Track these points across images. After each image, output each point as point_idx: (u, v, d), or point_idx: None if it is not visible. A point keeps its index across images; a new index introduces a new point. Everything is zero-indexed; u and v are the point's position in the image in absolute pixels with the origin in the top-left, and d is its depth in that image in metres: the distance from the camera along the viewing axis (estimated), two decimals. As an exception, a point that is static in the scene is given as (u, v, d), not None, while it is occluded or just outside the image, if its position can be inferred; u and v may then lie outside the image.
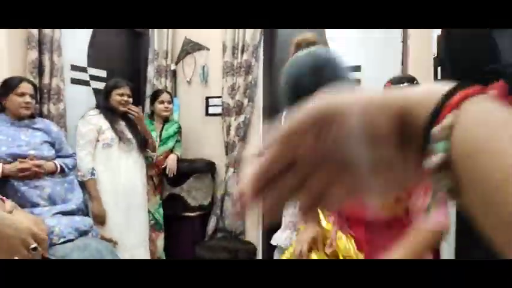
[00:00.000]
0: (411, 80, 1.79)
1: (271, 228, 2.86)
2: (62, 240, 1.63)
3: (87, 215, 2.03)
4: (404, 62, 2.34)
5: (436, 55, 2.12)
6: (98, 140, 2.19)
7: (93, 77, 2.65)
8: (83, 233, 1.76)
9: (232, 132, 2.83)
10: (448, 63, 2.07)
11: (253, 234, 2.85)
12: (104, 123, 2.21)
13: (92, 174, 2.13)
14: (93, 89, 2.64)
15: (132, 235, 2.24)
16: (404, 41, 2.34)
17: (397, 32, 2.36)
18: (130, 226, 2.24)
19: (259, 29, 2.77)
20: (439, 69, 2.10)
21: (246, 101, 2.81)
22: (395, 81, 1.80)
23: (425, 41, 2.19)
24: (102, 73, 2.71)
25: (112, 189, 2.19)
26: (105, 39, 2.76)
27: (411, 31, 2.31)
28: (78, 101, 2.45)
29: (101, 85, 2.54)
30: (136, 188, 2.31)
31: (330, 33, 2.63)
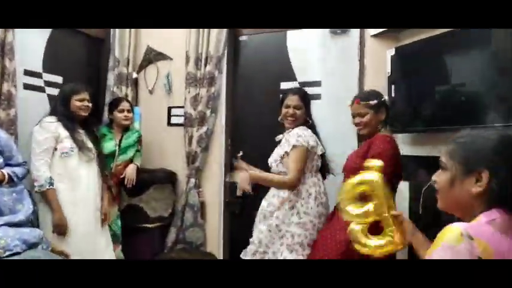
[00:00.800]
0: (379, 97, 1.87)
1: (232, 240, 2.86)
2: (8, 253, 1.54)
3: (37, 226, 1.94)
4: (360, 79, 2.45)
5: (389, 73, 2.24)
6: (55, 149, 2.10)
7: (48, 83, 2.55)
8: (32, 245, 1.68)
9: (194, 143, 2.82)
10: (400, 81, 2.20)
11: (214, 245, 2.82)
12: (63, 131, 2.12)
13: (51, 184, 2.04)
14: (48, 95, 2.53)
15: (92, 246, 2.16)
16: (361, 59, 2.46)
17: (354, 50, 2.48)
18: (90, 238, 2.15)
19: (223, 41, 2.80)
20: (392, 87, 2.22)
21: (208, 112, 2.82)
22: (364, 98, 1.88)
23: (381, 59, 2.32)
24: (58, 79, 2.62)
25: (69, 200, 2.10)
26: (63, 45, 2.67)
27: (367, 50, 2.43)
28: (32, 108, 2.34)
29: (56, 91, 2.44)
30: (95, 199, 2.24)
31: (291, 51, 2.70)
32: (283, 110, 2.07)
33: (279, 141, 2.12)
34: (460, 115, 1.84)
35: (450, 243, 0.81)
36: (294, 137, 1.99)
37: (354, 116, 1.91)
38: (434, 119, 1.96)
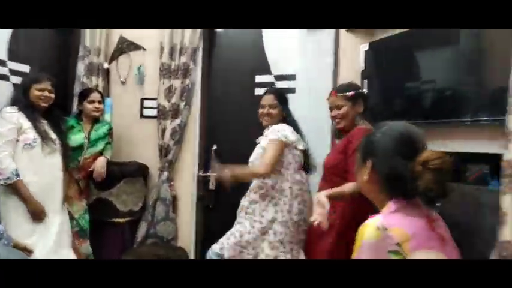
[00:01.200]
0: (356, 89, 1.85)
1: (205, 234, 2.84)
2: (-37, 248, 1.47)
3: (-2, 221, 1.86)
4: (335, 73, 2.45)
5: (363, 68, 2.26)
6: (17, 140, 2.02)
7: (13, 72, 2.44)
8: (-9, 241, 1.60)
9: (168, 135, 2.76)
10: (373, 76, 2.22)
11: (186, 240, 2.79)
12: (25, 122, 2.04)
13: (17, 175, 1.97)
14: (13, 84, 2.42)
15: (55, 240, 2.08)
16: (336, 53, 2.46)
17: (329, 45, 2.48)
18: (48, 232, 2.08)
19: (198, 32, 2.75)
20: (365, 81, 2.24)
21: (182, 105, 2.77)
22: (341, 90, 1.85)
23: (355, 54, 2.33)
24: (25, 68, 2.50)
25: (34, 193, 2.03)
26: (30, 32, 2.55)
27: (342, 44, 2.44)
28: (-5, 96, 2.23)
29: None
30: (57, 192, 2.17)
31: (266, 44, 2.68)
32: (260, 110, 2.11)
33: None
34: (431, 110, 1.87)
35: (369, 239, 0.87)
36: (272, 132, 1.98)
37: (331, 109, 1.87)
38: (405, 114, 1.98)
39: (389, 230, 0.86)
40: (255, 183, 2.01)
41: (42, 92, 2.12)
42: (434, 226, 0.93)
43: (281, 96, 2.11)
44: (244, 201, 2.04)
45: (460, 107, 1.70)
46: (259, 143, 2.10)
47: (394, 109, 2.07)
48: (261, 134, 2.13)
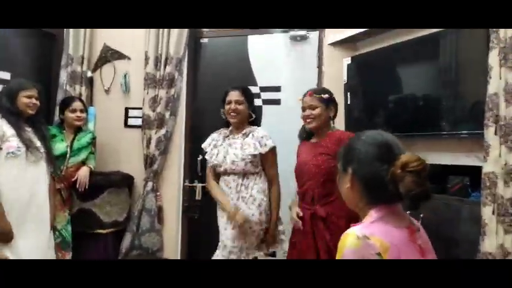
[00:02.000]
0: (330, 94, 1.95)
1: (190, 245, 2.82)
2: None
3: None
4: (318, 85, 2.51)
5: (346, 81, 2.33)
6: (0, 149, 1.96)
7: (-7, 79, 2.38)
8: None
9: (153, 145, 2.75)
10: (356, 89, 2.29)
11: (172, 251, 2.76)
12: (8, 130, 1.99)
13: None
14: (-7, 91, 2.36)
15: (37, 252, 2.02)
16: (320, 66, 2.52)
17: (313, 58, 2.54)
18: (35, 242, 2.03)
19: (184, 42, 2.76)
20: (348, 94, 2.30)
21: (167, 114, 2.76)
22: (317, 92, 1.95)
23: (338, 67, 2.39)
24: (6, 75, 2.45)
25: (16, 203, 1.97)
26: (11, 39, 2.50)
27: (325, 57, 2.51)
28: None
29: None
30: (42, 202, 2.11)
31: (252, 55, 2.72)
32: (226, 107, 2.10)
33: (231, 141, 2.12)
34: (412, 123, 1.94)
35: (351, 248, 0.88)
36: (268, 140, 2.07)
37: (304, 109, 1.93)
38: (387, 126, 2.06)
39: (370, 239, 0.88)
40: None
41: (30, 99, 2.08)
42: (416, 237, 0.95)
43: (247, 93, 2.15)
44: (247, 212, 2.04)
45: (440, 120, 1.78)
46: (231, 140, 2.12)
47: (376, 121, 2.14)
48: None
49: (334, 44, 2.49)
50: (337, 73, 2.40)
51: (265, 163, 2.08)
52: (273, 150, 2.08)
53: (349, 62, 2.33)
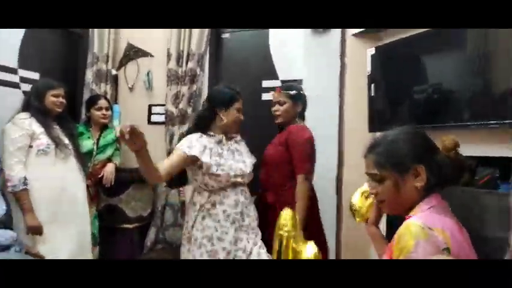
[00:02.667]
0: (299, 89, 2.05)
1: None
2: (-23, 256, 1.49)
3: (11, 228, 1.87)
4: (342, 78, 2.46)
5: (369, 73, 2.26)
6: (30, 146, 2.03)
7: (24, 79, 2.48)
8: (5, 248, 1.63)
9: (176, 141, 2.78)
10: (380, 80, 2.22)
11: (195, 245, 2.79)
12: (38, 128, 2.06)
13: (24, 184, 1.95)
14: (23, 91, 2.46)
15: (72, 247, 2.09)
16: (342, 58, 2.47)
17: (335, 49, 2.49)
18: (69, 238, 2.09)
19: (205, 38, 2.77)
20: (372, 85, 2.24)
21: (190, 110, 2.79)
22: (285, 88, 2.06)
23: (361, 58, 2.33)
24: (35, 75, 2.54)
25: (48, 199, 2.04)
26: (39, 40, 2.59)
27: (348, 49, 2.45)
28: (7, 105, 2.26)
29: (31, 87, 2.38)
30: (76, 197, 2.17)
31: (273, 49, 2.70)
32: (236, 114, 1.83)
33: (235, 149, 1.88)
34: (438, 114, 1.87)
35: (421, 239, 0.85)
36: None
37: (273, 105, 2.03)
38: (412, 117, 1.99)
39: (434, 230, 0.87)
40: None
41: (57, 98, 2.15)
42: (463, 231, 0.94)
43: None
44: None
45: (468, 110, 1.70)
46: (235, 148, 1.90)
47: (401, 113, 2.07)
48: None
49: (357, 35, 2.42)
50: (360, 64, 2.34)
51: None
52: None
53: (373, 52, 2.26)
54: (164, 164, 1.65)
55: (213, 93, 1.91)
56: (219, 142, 1.81)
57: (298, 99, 2.00)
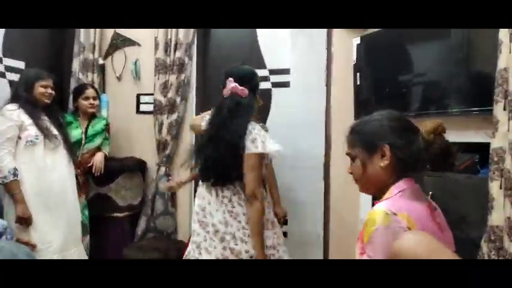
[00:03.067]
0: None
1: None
2: (-30, 244, 1.50)
3: (1, 217, 1.88)
4: (328, 67, 2.50)
5: (355, 62, 2.31)
6: (19, 138, 2.03)
7: (9, 68, 2.44)
8: (-5, 236, 1.63)
9: (165, 130, 2.79)
10: (365, 69, 2.27)
11: (186, 233, 2.83)
12: (26, 119, 2.05)
13: (15, 175, 1.97)
14: (9, 81, 2.43)
15: (62, 236, 2.11)
16: (328, 47, 2.51)
17: (322, 39, 2.52)
18: (60, 227, 2.11)
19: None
20: (358, 74, 2.29)
21: (178, 99, 2.80)
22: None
23: (347, 48, 2.37)
24: (20, 64, 2.51)
25: (38, 190, 2.05)
26: (24, 28, 2.55)
27: (335, 39, 2.49)
28: (-9, 94, 2.24)
29: (18, 77, 2.35)
30: (66, 187, 2.18)
31: (261, 38, 2.72)
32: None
33: None
34: (422, 102, 1.93)
35: (382, 224, 0.88)
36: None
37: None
38: (397, 105, 2.04)
39: (398, 215, 0.88)
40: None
41: (46, 88, 2.14)
42: (435, 215, 0.96)
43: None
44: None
45: (450, 98, 1.77)
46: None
47: (387, 101, 2.13)
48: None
49: (343, 25, 2.46)
50: (346, 54, 2.39)
51: None
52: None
53: (359, 42, 2.30)
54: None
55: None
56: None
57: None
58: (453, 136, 1.74)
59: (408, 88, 2.03)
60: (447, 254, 0.75)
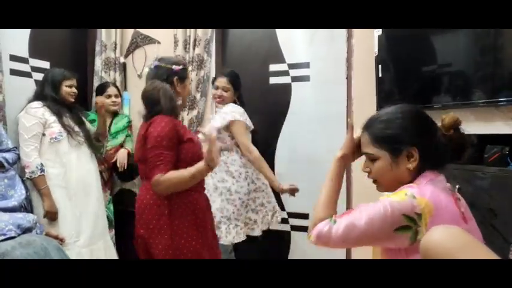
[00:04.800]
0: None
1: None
2: (3, 237, 1.56)
3: (30, 211, 1.95)
4: (348, 59, 2.47)
5: (376, 53, 2.26)
6: (43, 134, 2.10)
7: (34, 69, 2.51)
8: (26, 230, 1.69)
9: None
10: (387, 61, 2.23)
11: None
12: (50, 117, 2.13)
13: (42, 170, 2.05)
14: (35, 80, 2.50)
15: (89, 229, 2.18)
16: (349, 39, 2.47)
17: (341, 31, 2.48)
18: (86, 221, 2.17)
19: (211, 24, 2.78)
20: (380, 66, 2.25)
21: (198, 96, 2.81)
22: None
23: (368, 39, 2.33)
24: (45, 64, 2.58)
25: (64, 185, 2.12)
26: (49, 29, 2.62)
27: (355, 30, 2.44)
28: (19, 94, 2.30)
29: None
30: (91, 182, 2.25)
31: (279, 33, 2.70)
32: (213, 91, 2.31)
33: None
34: (447, 93, 1.88)
35: (394, 198, 0.90)
36: (228, 113, 2.17)
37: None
38: (421, 97, 2.00)
39: (417, 199, 0.88)
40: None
41: (71, 88, 2.22)
42: (459, 204, 0.94)
43: (235, 80, 2.29)
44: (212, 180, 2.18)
45: (477, 88, 1.71)
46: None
47: (409, 93, 2.08)
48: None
49: (364, 16, 2.41)
50: (367, 45, 2.34)
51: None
52: (234, 122, 2.17)
53: (380, 33, 2.25)
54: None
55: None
56: None
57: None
58: (481, 128, 1.69)
59: (432, 79, 1.98)
60: (482, 249, 0.70)
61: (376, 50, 2.28)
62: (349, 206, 2.49)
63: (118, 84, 2.84)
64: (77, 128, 2.23)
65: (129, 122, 2.73)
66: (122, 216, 2.61)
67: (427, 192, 0.90)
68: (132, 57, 3.05)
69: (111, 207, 2.54)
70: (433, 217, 0.86)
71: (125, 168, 2.55)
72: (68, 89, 2.20)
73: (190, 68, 2.80)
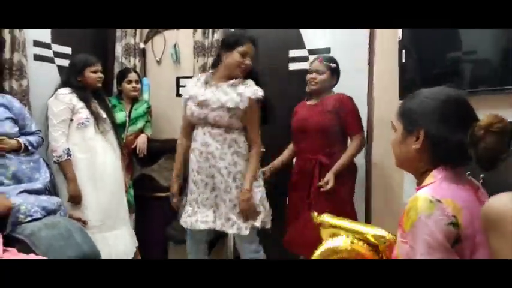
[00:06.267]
0: (337, 64, 2.21)
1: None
2: (29, 218, 1.61)
3: (54, 194, 2.01)
4: (370, 45, 2.41)
5: (400, 38, 2.20)
6: (71, 120, 2.15)
7: (57, 54, 2.55)
8: (51, 212, 1.75)
9: (204, 112, 2.82)
10: (411, 46, 2.16)
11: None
12: (78, 102, 2.17)
13: (68, 154, 2.10)
14: (57, 66, 2.54)
15: (113, 214, 2.23)
16: (372, 24, 2.40)
17: (365, 15, 2.42)
18: (109, 206, 2.22)
19: (231, 9, 2.75)
20: (403, 52, 2.18)
21: (217, 81, 2.80)
22: (326, 59, 2.20)
23: (392, 24, 2.26)
24: (67, 50, 2.62)
25: (88, 170, 2.16)
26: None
27: (378, 15, 2.37)
28: (42, 78, 2.36)
29: (65, 62, 2.46)
30: (115, 168, 2.29)
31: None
32: (241, 60, 1.93)
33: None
34: (474, 79, 1.81)
35: (425, 212, 0.84)
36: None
37: (311, 72, 2.17)
38: (444, 84, 1.94)
39: (443, 202, 0.84)
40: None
41: (96, 73, 2.25)
42: (479, 195, 0.92)
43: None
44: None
45: (505, 74, 1.64)
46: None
47: (433, 80, 2.02)
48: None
49: (387, 0, 2.34)
50: (390, 31, 2.28)
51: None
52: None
53: (404, 17, 2.18)
54: None
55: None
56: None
57: (335, 73, 2.18)
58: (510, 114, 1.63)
59: (458, 65, 1.91)
60: None
61: (399, 35, 2.21)
62: (368, 203, 2.46)
63: (138, 70, 2.86)
64: (104, 115, 2.27)
65: (149, 107, 2.76)
66: (142, 201, 2.66)
67: (446, 191, 0.87)
68: (151, 43, 3.05)
69: (132, 192, 2.59)
70: (463, 214, 0.84)
71: (145, 153, 2.58)
72: (93, 74, 2.23)
73: (209, 54, 2.79)
